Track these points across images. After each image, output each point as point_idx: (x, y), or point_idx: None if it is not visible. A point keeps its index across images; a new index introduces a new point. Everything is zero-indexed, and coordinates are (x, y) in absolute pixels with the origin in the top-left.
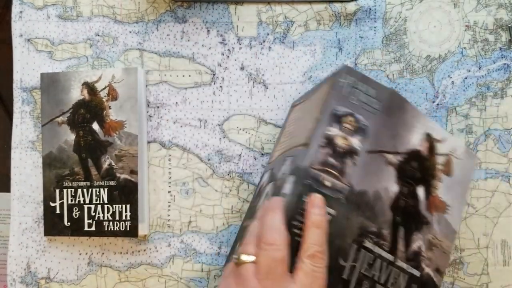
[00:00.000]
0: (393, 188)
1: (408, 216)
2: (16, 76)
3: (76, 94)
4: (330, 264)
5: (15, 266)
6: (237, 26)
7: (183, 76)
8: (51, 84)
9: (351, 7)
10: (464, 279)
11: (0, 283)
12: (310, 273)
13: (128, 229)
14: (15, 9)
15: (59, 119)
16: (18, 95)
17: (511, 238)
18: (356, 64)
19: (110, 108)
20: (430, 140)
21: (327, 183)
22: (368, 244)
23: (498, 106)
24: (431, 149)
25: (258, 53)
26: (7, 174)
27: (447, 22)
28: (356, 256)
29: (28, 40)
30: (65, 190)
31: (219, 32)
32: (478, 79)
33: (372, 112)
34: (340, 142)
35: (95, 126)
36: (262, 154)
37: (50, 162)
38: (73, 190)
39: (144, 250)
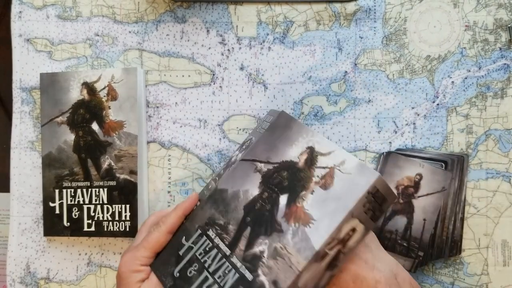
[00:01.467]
0: (254, 191)
1: (260, 219)
2: (16, 76)
3: (76, 94)
4: (174, 239)
5: (15, 267)
6: (236, 26)
7: (183, 76)
8: (50, 84)
9: (351, 7)
10: (464, 279)
11: (0, 284)
12: (149, 233)
13: (127, 229)
14: (15, 9)
15: (59, 119)
16: (17, 95)
17: None
18: (356, 64)
19: (109, 108)
20: (311, 153)
21: (210, 186)
22: (211, 233)
23: (498, 106)
24: (310, 161)
25: (257, 53)
26: (7, 174)
27: (447, 22)
28: (197, 240)
29: (28, 40)
30: (64, 190)
31: (218, 32)
32: (478, 79)
33: (260, 132)
34: (233, 158)
35: (95, 126)
36: None
37: (49, 162)
38: (72, 190)
39: None
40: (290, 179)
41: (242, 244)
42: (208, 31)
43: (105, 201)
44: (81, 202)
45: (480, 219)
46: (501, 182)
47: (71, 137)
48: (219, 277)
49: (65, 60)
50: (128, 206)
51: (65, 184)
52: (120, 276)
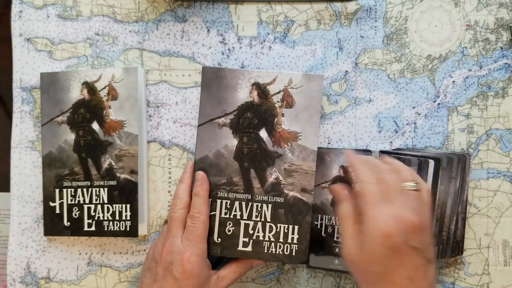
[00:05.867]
0: (233, 142)
1: (255, 158)
2: (16, 76)
3: (76, 93)
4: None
5: (15, 266)
6: (237, 25)
7: (183, 75)
8: (50, 83)
9: (351, 6)
10: (465, 279)
11: (0, 283)
12: (189, 228)
13: (128, 229)
14: (15, 8)
15: (59, 119)
16: (17, 95)
17: None
18: (356, 63)
19: (110, 108)
20: (258, 87)
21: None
22: (221, 194)
23: (499, 106)
24: (262, 93)
25: (258, 53)
26: (7, 174)
27: (448, 21)
28: (213, 207)
29: (28, 39)
30: (64, 190)
31: (219, 32)
32: (479, 78)
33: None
34: None
35: (95, 125)
36: None
37: (49, 162)
38: (72, 190)
39: (144, 250)
40: (257, 116)
41: (256, 184)
42: (208, 30)
43: (106, 201)
44: (82, 202)
45: (481, 219)
46: (502, 182)
47: (71, 136)
48: (256, 217)
49: (66, 59)
50: (128, 205)
51: (65, 184)
52: (198, 276)
